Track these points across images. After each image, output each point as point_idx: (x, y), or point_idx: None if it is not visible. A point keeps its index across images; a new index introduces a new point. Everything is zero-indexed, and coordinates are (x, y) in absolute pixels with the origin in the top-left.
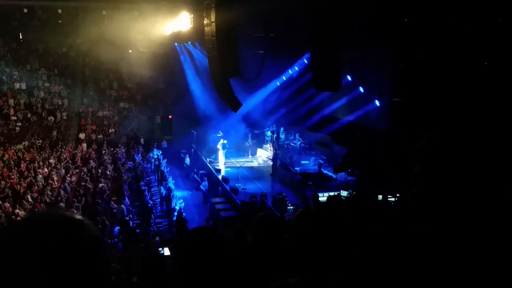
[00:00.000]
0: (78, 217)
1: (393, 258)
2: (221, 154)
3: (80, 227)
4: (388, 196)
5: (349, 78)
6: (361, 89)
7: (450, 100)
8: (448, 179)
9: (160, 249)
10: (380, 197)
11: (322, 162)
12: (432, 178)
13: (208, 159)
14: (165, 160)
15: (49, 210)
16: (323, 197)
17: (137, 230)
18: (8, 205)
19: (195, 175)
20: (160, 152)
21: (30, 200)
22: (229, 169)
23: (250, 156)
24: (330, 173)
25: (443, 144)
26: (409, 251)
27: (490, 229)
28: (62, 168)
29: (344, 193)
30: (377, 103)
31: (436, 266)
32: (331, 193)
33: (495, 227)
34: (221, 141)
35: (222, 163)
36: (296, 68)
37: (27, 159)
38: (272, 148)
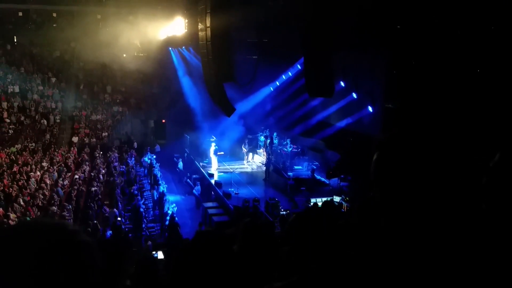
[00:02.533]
0: (69, 224)
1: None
2: (214, 159)
3: (71, 233)
4: None
5: (342, 84)
6: (354, 95)
7: (442, 106)
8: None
9: (154, 252)
10: None
11: (315, 167)
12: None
13: (201, 164)
14: (158, 164)
15: (39, 218)
16: (315, 202)
17: (129, 235)
18: (0, 208)
19: (188, 180)
20: (154, 156)
21: (22, 203)
22: (222, 173)
23: (249, 160)
24: (323, 179)
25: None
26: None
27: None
28: (54, 171)
29: (337, 199)
30: (370, 109)
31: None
32: (325, 199)
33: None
34: (213, 146)
35: (215, 168)
36: (290, 74)
37: (19, 162)
38: (265, 153)
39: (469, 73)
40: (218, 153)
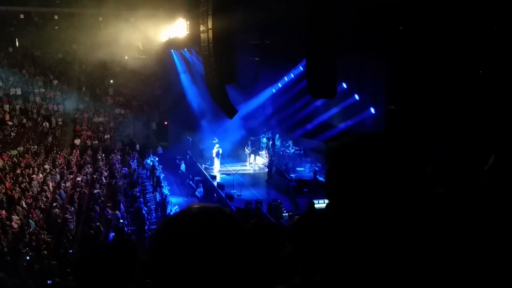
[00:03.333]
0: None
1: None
2: (216, 161)
3: (231, 219)
4: None
5: (344, 85)
6: (357, 97)
7: (445, 108)
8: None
9: None
10: None
11: (317, 169)
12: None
13: (203, 166)
14: (160, 166)
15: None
16: (318, 204)
17: (132, 237)
18: (3, 211)
19: (190, 182)
20: (156, 158)
21: (24, 206)
22: (224, 175)
23: (252, 162)
24: None
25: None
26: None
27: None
28: (57, 174)
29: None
30: (372, 110)
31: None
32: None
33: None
34: (216, 147)
35: (217, 170)
36: (292, 75)
37: (22, 164)
38: (267, 155)
39: (472, 74)
40: (213, 142)
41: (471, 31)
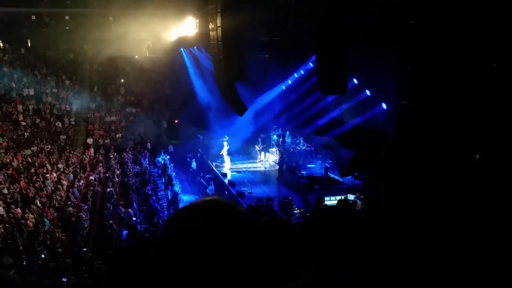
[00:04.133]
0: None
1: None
2: (227, 158)
3: (240, 214)
4: None
5: (355, 81)
6: (368, 92)
7: (457, 102)
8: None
9: None
10: None
11: (328, 165)
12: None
13: (214, 163)
14: (172, 165)
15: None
16: (329, 201)
17: (145, 234)
18: (19, 210)
19: (201, 179)
20: (167, 157)
21: (39, 204)
22: (235, 173)
23: (262, 159)
24: (336, 177)
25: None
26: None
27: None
28: (70, 172)
29: (351, 197)
30: (383, 106)
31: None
32: (339, 197)
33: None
34: (225, 145)
35: (228, 167)
36: (302, 72)
37: (36, 164)
38: (278, 152)
39: (484, 68)
40: (224, 140)
41: (483, 24)
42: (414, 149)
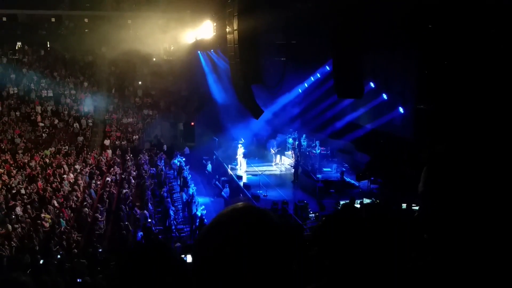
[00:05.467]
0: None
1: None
2: (242, 161)
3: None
4: (413, 205)
5: (372, 84)
6: (385, 96)
7: (475, 107)
8: (455, 190)
9: (183, 256)
10: (404, 205)
11: (344, 169)
12: (440, 188)
13: (229, 166)
14: (187, 167)
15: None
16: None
17: (160, 236)
18: (35, 211)
19: (217, 182)
20: (183, 159)
21: (56, 205)
22: (250, 176)
23: (278, 162)
24: (352, 181)
25: (453, 154)
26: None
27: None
28: (87, 174)
29: (367, 201)
30: (401, 110)
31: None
32: (344, 202)
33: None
34: (240, 149)
35: (244, 170)
36: (318, 75)
37: (53, 164)
38: (293, 155)
39: (503, 72)
40: (240, 142)
41: (503, 27)
42: (457, 159)
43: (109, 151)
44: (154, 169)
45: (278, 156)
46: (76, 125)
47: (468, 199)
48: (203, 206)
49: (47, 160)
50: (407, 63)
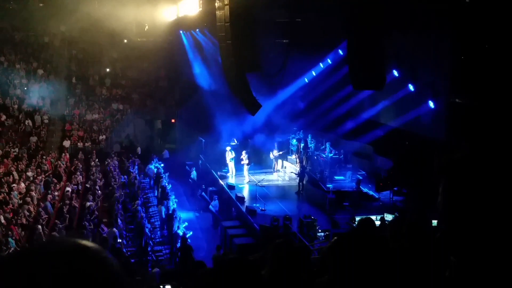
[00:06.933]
0: (95, 248)
1: None
2: (245, 169)
3: (97, 261)
4: None
5: (395, 73)
6: (411, 87)
7: None
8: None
9: (161, 286)
10: (435, 222)
11: (361, 178)
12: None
13: (219, 173)
14: (167, 174)
15: (60, 238)
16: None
17: (132, 260)
18: None
19: (203, 193)
20: (161, 164)
21: (3, 221)
22: (243, 185)
23: (279, 169)
24: (371, 192)
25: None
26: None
27: None
28: (42, 182)
29: (389, 217)
30: (431, 104)
31: None
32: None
33: None
34: (230, 154)
35: (247, 180)
36: (329, 61)
37: (0, 171)
38: (298, 160)
39: None
40: (232, 144)
41: None
42: (485, 173)
43: (69, 155)
44: (125, 176)
45: (280, 161)
46: (28, 122)
47: (495, 217)
48: (186, 223)
49: None
50: (439, 47)
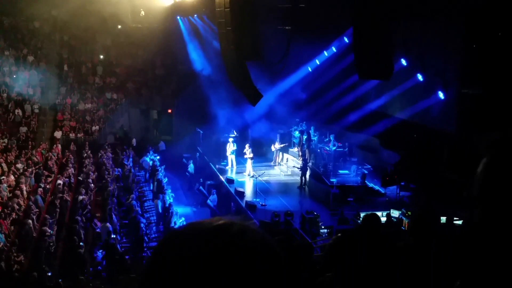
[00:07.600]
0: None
1: None
2: (246, 162)
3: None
4: (454, 218)
5: (403, 62)
6: (420, 77)
7: None
8: None
9: None
10: (443, 219)
11: (366, 172)
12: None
13: (217, 166)
14: (163, 167)
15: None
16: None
17: (127, 256)
18: None
19: (201, 187)
20: (157, 157)
21: None
22: (243, 179)
23: (280, 162)
24: (377, 187)
25: None
26: None
27: None
28: (32, 175)
29: (395, 213)
30: (441, 95)
31: None
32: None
33: None
34: (231, 146)
35: (249, 174)
36: (334, 49)
37: None
38: (301, 153)
39: None
40: (231, 136)
41: None
42: None
43: (60, 146)
44: (119, 169)
45: (281, 154)
46: (18, 111)
47: None
48: (183, 218)
49: None
50: (450, 35)
